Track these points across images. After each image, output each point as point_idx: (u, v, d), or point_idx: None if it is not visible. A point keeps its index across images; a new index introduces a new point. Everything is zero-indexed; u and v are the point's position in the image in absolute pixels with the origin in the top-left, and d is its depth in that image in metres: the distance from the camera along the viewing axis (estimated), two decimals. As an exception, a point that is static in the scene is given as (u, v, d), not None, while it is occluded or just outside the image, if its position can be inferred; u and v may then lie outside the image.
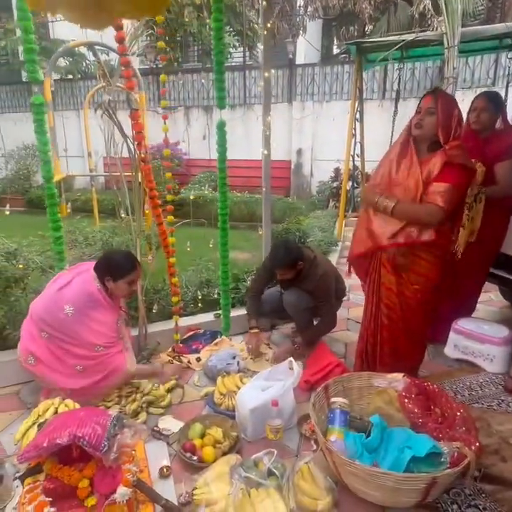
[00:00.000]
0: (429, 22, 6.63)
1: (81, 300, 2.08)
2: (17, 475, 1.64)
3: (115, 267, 2.16)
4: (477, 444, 1.59)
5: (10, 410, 2.25)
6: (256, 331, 2.76)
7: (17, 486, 1.68)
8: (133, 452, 1.61)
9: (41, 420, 1.84)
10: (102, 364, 2.09)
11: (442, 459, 1.55)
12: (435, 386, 1.94)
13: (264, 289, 2.89)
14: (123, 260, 2.21)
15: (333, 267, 3.03)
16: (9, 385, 2.45)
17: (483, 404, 2.30)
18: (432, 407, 1.86)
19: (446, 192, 1.92)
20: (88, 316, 2.07)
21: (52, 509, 1.36)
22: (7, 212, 2.78)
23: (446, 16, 3.76)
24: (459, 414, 1.76)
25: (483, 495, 1.70)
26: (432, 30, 5.75)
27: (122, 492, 1.41)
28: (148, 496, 1.53)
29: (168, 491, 1.69)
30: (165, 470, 1.79)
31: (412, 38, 4.10)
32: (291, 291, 2.70)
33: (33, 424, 1.85)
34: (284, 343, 2.93)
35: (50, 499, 1.39)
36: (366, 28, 11.02)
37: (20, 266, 2.47)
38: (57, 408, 1.91)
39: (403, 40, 4.15)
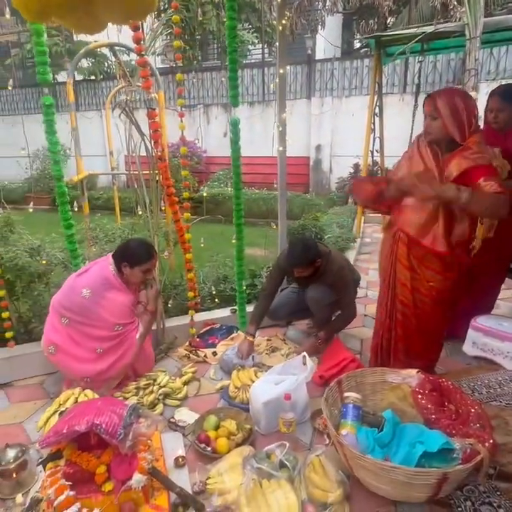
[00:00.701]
0: (452, 13, 6.45)
1: (97, 283, 2.20)
2: (40, 461, 1.73)
3: (132, 254, 2.27)
4: (491, 441, 1.57)
5: (34, 399, 2.35)
6: (251, 338, 2.66)
7: (40, 471, 1.77)
8: (149, 441, 1.67)
9: (62, 409, 1.93)
10: (120, 342, 2.20)
11: (454, 455, 1.54)
12: (450, 383, 1.92)
13: (277, 289, 2.82)
14: (141, 249, 2.32)
15: (346, 258, 3.03)
16: (34, 375, 2.56)
17: (501, 402, 2.26)
18: (446, 403, 1.84)
19: (493, 183, 1.79)
20: (104, 297, 2.18)
21: (72, 492, 1.43)
22: (30, 210, 2.88)
23: (468, 6, 3.68)
24: (473, 410, 1.74)
25: (498, 493, 1.68)
26: (455, 21, 5.61)
27: (138, 479, 1.47)
28: (163, 483, 1.58)
29: (183, 480, 1.74)
30: (180, 460, 1.83)
31: (431, 31, 4.02)
32: (314, 287, 2.66)
33: (55, 412, 1.94)
34: (305, 340, 2.91)
35: (70, 483, 1.45)
36: (387, 21, 10.83)
37: (43, 262, 2.56)
38: (77, 398, 2.00)
39: (423, 33, 4.08)
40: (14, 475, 1.69)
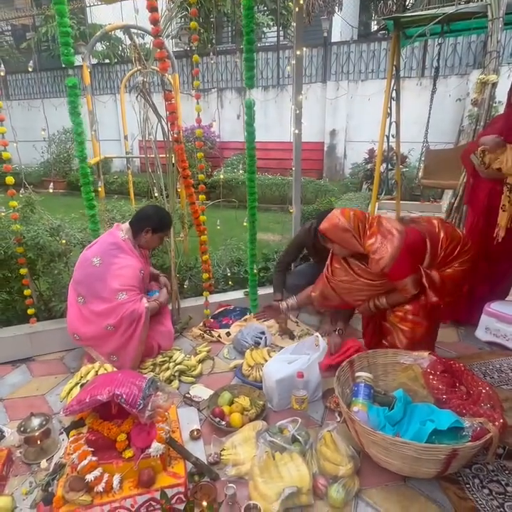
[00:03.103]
0: (474, -7, 6.26)
1: (105, 249, 2.29)
2: (62, 429, 1.81)
3: (157, 221, 2.41)
4: (501, 420, 1.59)
5: (55, 374, 2.45)
6: (278, 303, 2.63)
7: (63, 440, 1.85)
8: (166, 414, 1.73)
9: (83, 381, 2.01)
10: (122, 309, 2.21)
11: (464, 433, 1.57)
12: (461, 365, 1.94)
13: (292, 264, 2.95)
14: (164, 216, 2.48)
15: None
16: (55, 351, 2.65)
17: (512, 386, 2.28)
18: (457, 384, 1.87)
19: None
20: (113, 262, 2.26)
21: (94, 458, 1.50)
22: (50, 191, 2.93)
23: (490, -14, 3.56)
24: (484, 391, 1.76)
25: (507, 472, 1.71)
26: (477, 1, 5.44)
27: (156, 447, 1.53)
28: (179, 452, 1.64)
29: (198, 450, 1.81)
30: (195, 432, 1.90)
31: (452, 12, 3.91)
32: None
33: (76, 384, 2.02)
34: (321, 323, 2.96)
35: (92, 449, 1.53)
36: (406, 2, 10.53)
37: (63, 241, 2.63)
38: (97, 371, 2.07)
39: (443, 14, 3.97)
40: (39, 442, 1.78)
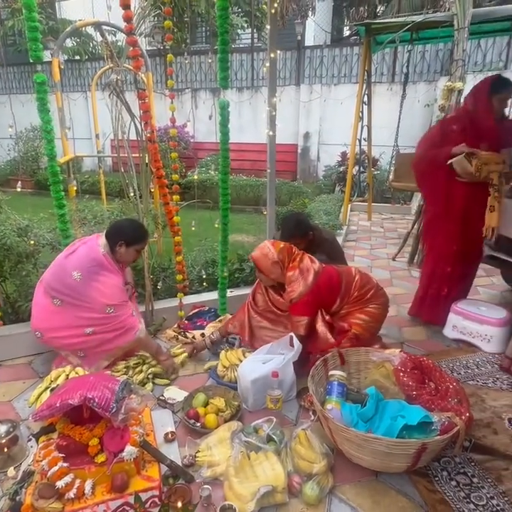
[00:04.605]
0: (441, 3, 6.49)
1: (87, 265, 2.20)
2: (31, 435, 1.75)
3: (130, 234, 2.32)
4: (467, 414, 1.66)
5: (23, 379, 2.36)
6: None
7: (31, 447, 1.79)
8: (140, 417, 1.71)
9: (53, 385, 1.95)
10: (113, 326, 2.20)
11: (433, 428, 1.63)
12: (430, 361, 2.00)
13: None
14: (138, 229, 2.39)
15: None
16: (22, 356, 2.56)
17: (478, 381, 2.37)
18: (427, 380, 1.93)
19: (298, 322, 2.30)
20: (95, 279, 2.19)
21: (65, 464, 1.46)
22: (18, 190, 2.84)
23: (457, -3, 3.70)
24: (452, 387, 1.82)
25: (473, 463, 1.78)
26: (444, 11, 5.65)
27: (130, 450, 1.51)
28: (154, 455, 1.62)
29: (173, 453, 1.79)
30: (170, 435, 1.88)
31: (421, 20, 4.05)
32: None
33: (46, 389, 1.96)
34: None
35: (63, 455, 1.49)
36: (377, 9, 10.80)
37: (31, 242, 2.55)
38: (68, 375, 2.02)
39: (412, 22, 4.10)
40: (6, 449, 1.72)
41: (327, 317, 2.32)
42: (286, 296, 2.33)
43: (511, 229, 2.64)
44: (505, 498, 1.61)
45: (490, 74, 3.24)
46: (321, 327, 2.29)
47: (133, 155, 2.76)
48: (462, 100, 3.08)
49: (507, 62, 7.79)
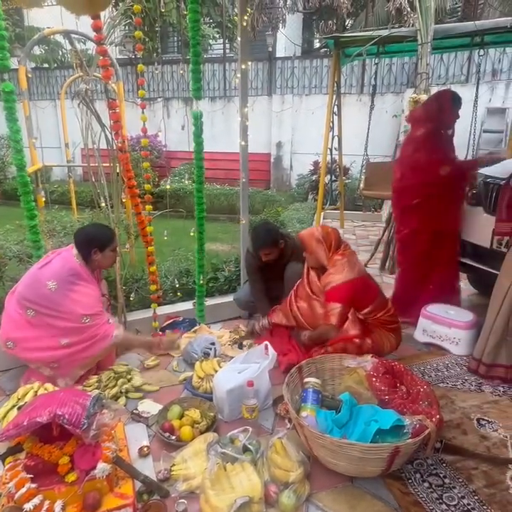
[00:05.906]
0: (406, 18, 6.75)
1: (62, 275, 2.15)
2: (-3, 456, 1.68)
3: (99, 238, 2.29)
4: (438, 416, 1.70)
5: (-11, 397, 2.27)
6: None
7: (-3, 468, 1.72)
8: (112, 432, 1.67)
9: (21, 403, 1.88)
10: (90, 335, 2.16)
11: (405, 431, 1.66)
12: (401, 365, 2.05)
13: (263, 285, 2.92)
14: (104, 230, 2.37)
15: None
16: (-13, 373, 2.46)
17: (448, 383, 2.44)
18: (398, 384, 1.97)
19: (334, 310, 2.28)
20: (71, 289, 2.15)
21: (33, 485, 1.41)
22: (-17, 201, 2.74)
23: (419, 13, 3.86)
24: (422, 390, 1.87)
25: (444, 464, 1.83)
26: (408, 26, 5.88)
27: (102, 467, 1.47)
28: (127, 471, 1.59)
29: (148, 468, 1.75)
30: (144, 449, 1.85)
31: (386, 34, 4.20)
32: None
33: (13, 407, 1.89)
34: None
35: (31, 476, 1.43)
36: (346, 23, 11.11)
37: (-3, 255, 2.47)
38: (36, 392, 1.95)
39: (378, 36, 4.25)
40: (-31, 472, 1.64)
41: (360, 316, 2.36)
42: (324, 278, 2.34)
43: (474, 235, 2.75)
44: (476, 497, 1.66)
45: (452, 87, 3.40)
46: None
47: (104, 164, 2.73)
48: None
49: (468, 75, 8.15)
